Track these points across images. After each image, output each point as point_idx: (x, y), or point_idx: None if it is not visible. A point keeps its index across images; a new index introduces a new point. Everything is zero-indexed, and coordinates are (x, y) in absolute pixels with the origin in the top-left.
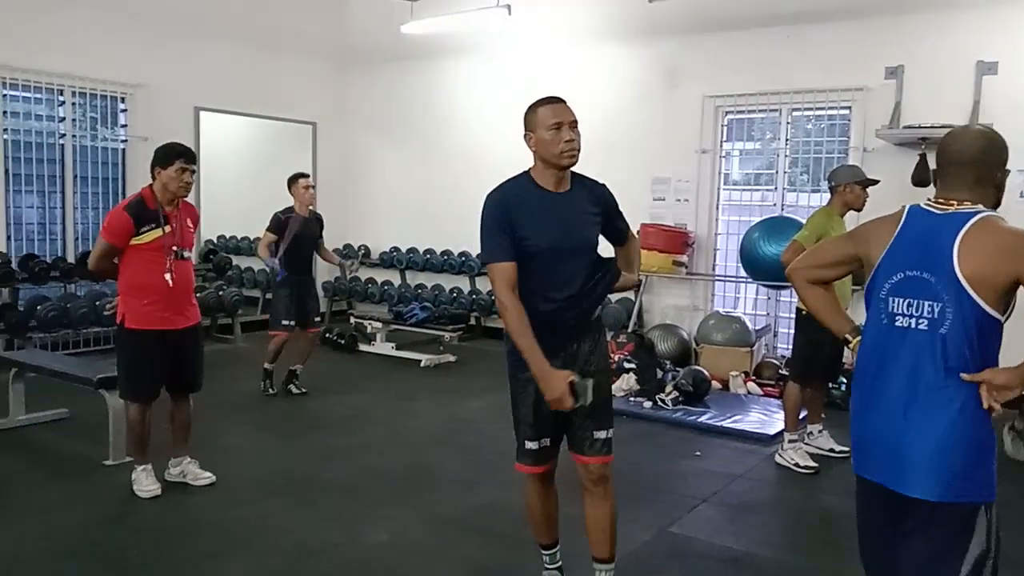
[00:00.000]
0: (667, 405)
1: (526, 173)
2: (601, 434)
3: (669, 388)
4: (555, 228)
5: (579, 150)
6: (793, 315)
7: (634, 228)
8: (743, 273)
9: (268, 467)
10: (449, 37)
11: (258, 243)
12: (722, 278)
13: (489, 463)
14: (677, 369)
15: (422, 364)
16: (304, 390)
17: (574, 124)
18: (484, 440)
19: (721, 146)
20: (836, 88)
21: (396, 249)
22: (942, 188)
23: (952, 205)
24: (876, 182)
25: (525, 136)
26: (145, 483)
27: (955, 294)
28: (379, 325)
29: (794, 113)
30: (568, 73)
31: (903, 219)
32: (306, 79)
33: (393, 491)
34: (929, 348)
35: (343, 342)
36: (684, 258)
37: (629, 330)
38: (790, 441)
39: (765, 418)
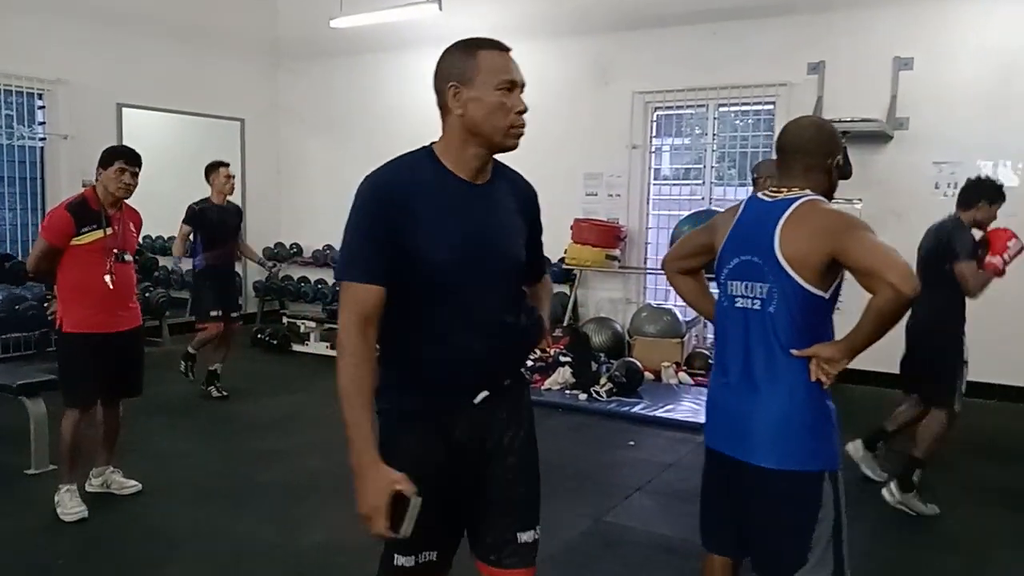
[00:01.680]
0: (602, 397)
1: (426, 149)
2: (526, 536)
3: (603, 380)
4: (473, 237)
5: None
6: None
7: (567, 224)
8: None
9: (201, 471)
10: (380, 32)
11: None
12: (654, 271)
13: None
14: (611, 361)
15: None
16: (225, 393)
17: (522, 88)
18: None
19: (651, 141)
20: (760, 83)
21: (329, 247)
22: (779, 177)
23: (782, 192)
24: None
25: (447, 89)
26: (69, 505)
27: (778, 275)
28: (313, 324)
29: (721, 108)
30: None
31: (741, 208)
32: (234, 74)
33: (330, 492)
34: (762, 326)
35: (276, 342)
36: (617, 252)
37: (564, 324)
38: None
39: (696, 407)
